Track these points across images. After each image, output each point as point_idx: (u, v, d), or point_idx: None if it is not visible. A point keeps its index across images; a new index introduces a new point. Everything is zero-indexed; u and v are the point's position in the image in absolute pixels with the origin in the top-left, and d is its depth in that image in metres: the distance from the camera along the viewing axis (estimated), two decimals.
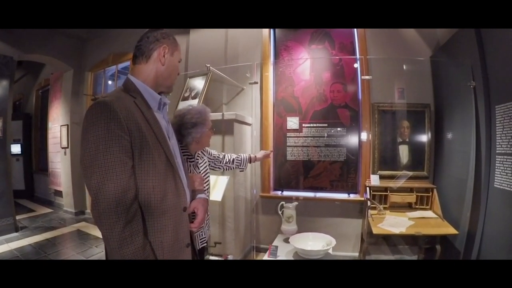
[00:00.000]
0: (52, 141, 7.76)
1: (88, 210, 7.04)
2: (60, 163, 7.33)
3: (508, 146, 2.61)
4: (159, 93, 1.55)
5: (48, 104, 7.96)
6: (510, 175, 2.57)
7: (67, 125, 6.97)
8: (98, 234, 5.51)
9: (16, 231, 5.59)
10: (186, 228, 1.53)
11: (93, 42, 7.02)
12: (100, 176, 1.22)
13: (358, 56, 4.34)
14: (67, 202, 7.22)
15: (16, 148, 8.50)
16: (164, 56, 1.53)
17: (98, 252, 4.63)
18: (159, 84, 1.54)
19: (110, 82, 6.99)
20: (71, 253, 4.63)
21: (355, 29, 4.36)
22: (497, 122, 2.77)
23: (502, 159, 2.70)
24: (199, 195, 1.71)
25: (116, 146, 1.25)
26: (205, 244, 2.44)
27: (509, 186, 2.57)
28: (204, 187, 1.98)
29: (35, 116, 8.91)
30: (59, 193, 7.60)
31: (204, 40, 4.84)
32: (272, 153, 2.97)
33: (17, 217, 5.91)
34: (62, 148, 7.12)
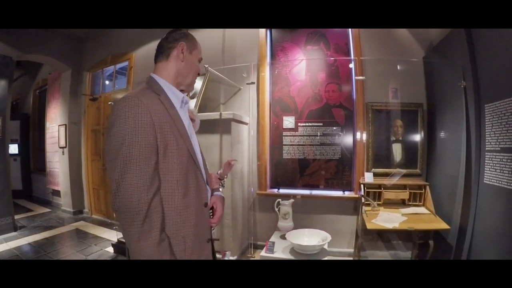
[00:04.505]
0: (50, 141, 7.78)
1: (86, 209, 7.09)
2: (58, 162, 7.34)
3: (497, 143, 2.69)
4: (180, 91, 1.62)
5: (46, 104, 7.97)
6: (499, 171, 2.65)
7: (65, 124, 7.00)
8: (97, 232, 5.59)
9: (15, 230, 5.62)
10: (206, 224, 1.59)
11: (92, 42, 7.05)
12: (123, 169, 1.25)
13: (352, 57, 4.40)
14: (65, 202, 7.24)
15: (13, 148, 8.49)
16: (182, 53, 1.59)
17: (97, 250, 4.68)
18: (180, 82, 1.61)
19: (107, 82, 7.00)
20: (70, 251, 4.66)
21: (350, 31, 4.43)
22: (486, 121, 2.85)
23: (491, 156, 2.78)
24: (216, 193, 1.76)
25: (143, 140, 1.29)
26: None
27: (498, 182, 2.65)
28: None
29: (32, 116, 8.90)
30: (57, 193, 7.61)
31: (202, 41, 4.78)
32: (233, 161, 2.88)
33: (16, 217, 5.92)
34: (60, 147, 7.15)
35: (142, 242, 1.24)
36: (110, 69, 6.81)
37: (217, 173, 2.68)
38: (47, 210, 7.52)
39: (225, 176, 2.71)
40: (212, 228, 1.69)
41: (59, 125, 7.22)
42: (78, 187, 7.14)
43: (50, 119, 7.74)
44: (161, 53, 1.59)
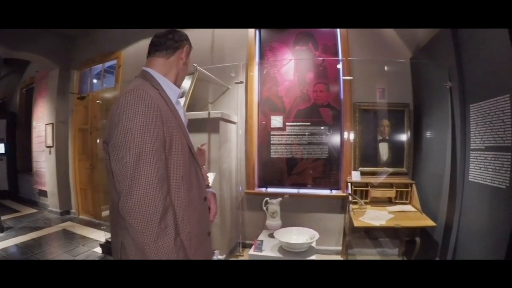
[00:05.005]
0: (36, 140, 7.67)
1: (74, 210, 7.00)
2: (45, 162, 7.25)
3: (481, 142, 2.76)
4: None
5: (32, 103, 7.86)
6: (483, 169, 2.72)
7: (52, 123, 6.90)
8: (85, 233, 5.54)
9: (1, 231, 5.53)
10: (207, 218, 1.61)
11: (80, 40, 6.94)
12: (136, 166, 1.18)
13: (340, 57, 4.43)
14: (52, 202, 7.14)
15: None
16: (186, 55, 1.62)
17: (85, 251, 4.63)
18: (176, 81, 1.60)
19: (95, 80, 6.95)
20: (58, 252, 4.61)
21: (338, 32, 4.47)
22: (471, 120, 2.92)
23: (476, 155, 2.85)
24: (208, 189, 1.75)
25: (154, 134, 1.24)
26: None
27: (482, 179, 2.72)
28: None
29: (19, 115, 8.78)
30: (43, 193, 7.50)
31: (191, 39, 4.83)
32: (202, 145, 2.92)
33: (2, 218, 5.83)
34: (47, 147, 7.05)
35: (160, 242, 1.20)
36: (98, 67, 6.75)
37: None
38: (34, 210, 7.40)
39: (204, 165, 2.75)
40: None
41: (46, 124, 7.11)
42: (65, 187, 7.04)
43: (37, 118, 7.64)
44: (163, 50, 1.56)
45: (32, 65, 7.95)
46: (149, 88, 1.36)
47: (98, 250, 4.62)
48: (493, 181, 2.58)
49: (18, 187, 8.93)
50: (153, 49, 1.58)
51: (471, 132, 2.93)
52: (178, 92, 1.58)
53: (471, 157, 2.93)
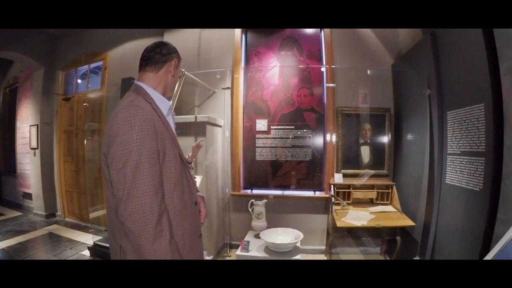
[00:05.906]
0: (20, 142, 7.55)
1: (59, 212, 6.93)
2: (29, 164, 7.14)
3: (458, 147, 2.90)
4: None
5: (16, 103, 7.72)
6: (459, 172, 2.86)
7: (37, 125, 6.81)
8: (71, 236, 5.50)
9: None
10: (198, 220, 1.72)
11: (66, 40, 6.84)
12: (134, 175, 1.30)
13: (324, 64, 4.55)
14: (37, 205, 7.03)
15: None
16: (175, 68, 1.70)
17: (72, 254, 4.61)
18: (165, 93, 1.69)
19: (80, 81, 6.88)
20: (46, 256, 4.56)
21: (323, 38, 4.59)
22: (448, 126, 3.07)
23: (452, 159, 3.00)
24: (197, 193, 1.85)
25: (150, 146, 1.36)
26: None
27: (458, 182, 2.87)
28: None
29: (2, 115, 8.58)
30: (28, 196, 7.38)
31: (178, 43, 4.76)
32: (201, 141, 3.06)
33: None
34: (32, 149, 6.94)
35: (157, 244, 1.31)
36: (84, 68, 6.69)
37: (187, 156, 2.78)
38: (19, 213, 7.26)
39: (194, 159, 2.83)
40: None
41: (30, 126, 7.01)
42: (50, 190, 6.94)
43: (21, 118, 7.52)
44: (152, 64, 1.64)
45: (16, 64, 7.78)
46: (142, 102, 1.47)
47: (86, 253, 4.61)
48: (468, 184, 2.72)
49: (2, 190, 8.75)
50: (143, 64, 1.67)
51: (448, 138, 3.07)
52: (169, 104, 1.67)
53: (448, 161, 3.08)
